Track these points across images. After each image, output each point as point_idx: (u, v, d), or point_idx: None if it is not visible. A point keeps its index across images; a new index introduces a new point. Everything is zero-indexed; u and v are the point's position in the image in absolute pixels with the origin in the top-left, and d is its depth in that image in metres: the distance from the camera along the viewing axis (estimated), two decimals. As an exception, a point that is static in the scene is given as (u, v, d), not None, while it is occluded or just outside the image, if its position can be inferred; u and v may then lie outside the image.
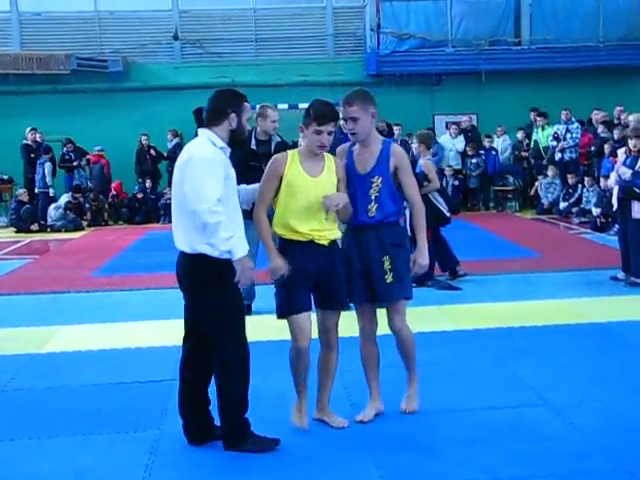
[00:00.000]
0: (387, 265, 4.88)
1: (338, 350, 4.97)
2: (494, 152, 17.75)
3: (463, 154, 17.80)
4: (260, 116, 8.14)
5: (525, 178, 17.88)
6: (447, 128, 18.50)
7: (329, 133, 4.70)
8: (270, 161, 4.84)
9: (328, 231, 4.80)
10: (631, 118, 13.82)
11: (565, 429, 4.88)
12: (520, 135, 18.00)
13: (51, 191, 17.68)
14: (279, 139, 8.26)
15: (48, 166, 17.61)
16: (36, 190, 17.67)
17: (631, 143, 9.23)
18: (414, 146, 10.57)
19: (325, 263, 4.76)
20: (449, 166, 17.51)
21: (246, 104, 4.70)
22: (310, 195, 4.70)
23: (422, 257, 4.92)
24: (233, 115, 4.58)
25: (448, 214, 9.54)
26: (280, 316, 4.83)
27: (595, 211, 14.21)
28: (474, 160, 17.52)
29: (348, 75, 18.95)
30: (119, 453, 4.76)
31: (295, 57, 19.69)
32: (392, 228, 4.95)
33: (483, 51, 18.81)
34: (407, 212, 5.99)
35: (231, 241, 4.39)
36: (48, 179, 17.57)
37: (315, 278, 4.76)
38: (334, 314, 4.89)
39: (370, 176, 4.87)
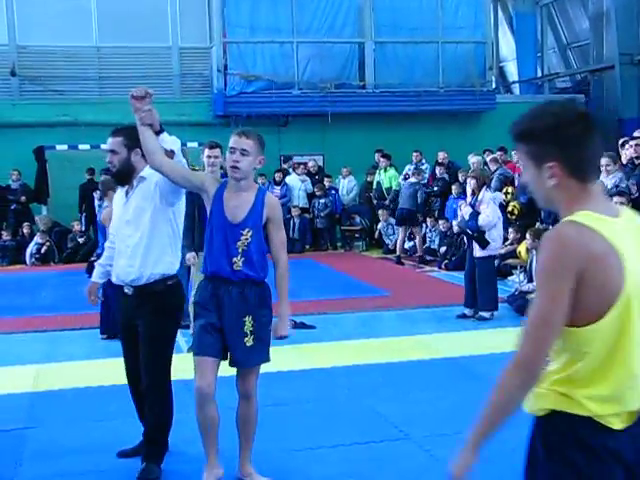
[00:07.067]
0: (248, 327, 4.37)
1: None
2: (334, 191, 18.09)
3: (310, 194, 18.01)
4: None
5: (372, 218, 18.22)
6: (294, 169, 18.69)
7: None
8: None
9: None
10: (473, 160, 14.43)
11: (428, 461, 4.96)
12: (369, 177, 18.36)
13: None
14: None
15: None
16: None
17: (471, 183, 9.63)
18: None
19: None
20: (295, 206, 17.69)
21: None
22: None
23: (283, 328, 4.45)
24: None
25: None
26: None
27: (441, 250, 14.64)
28: (322, 200, 17.75)
29: (195, 115, 18.84)
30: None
31: (141, 96, 19.29)
32: (257, 286, 4.43)
33: (329, 93, 19.18)
34: None
35: None
36: None
37: None
38: None
39: (240, 227, 4.37)
